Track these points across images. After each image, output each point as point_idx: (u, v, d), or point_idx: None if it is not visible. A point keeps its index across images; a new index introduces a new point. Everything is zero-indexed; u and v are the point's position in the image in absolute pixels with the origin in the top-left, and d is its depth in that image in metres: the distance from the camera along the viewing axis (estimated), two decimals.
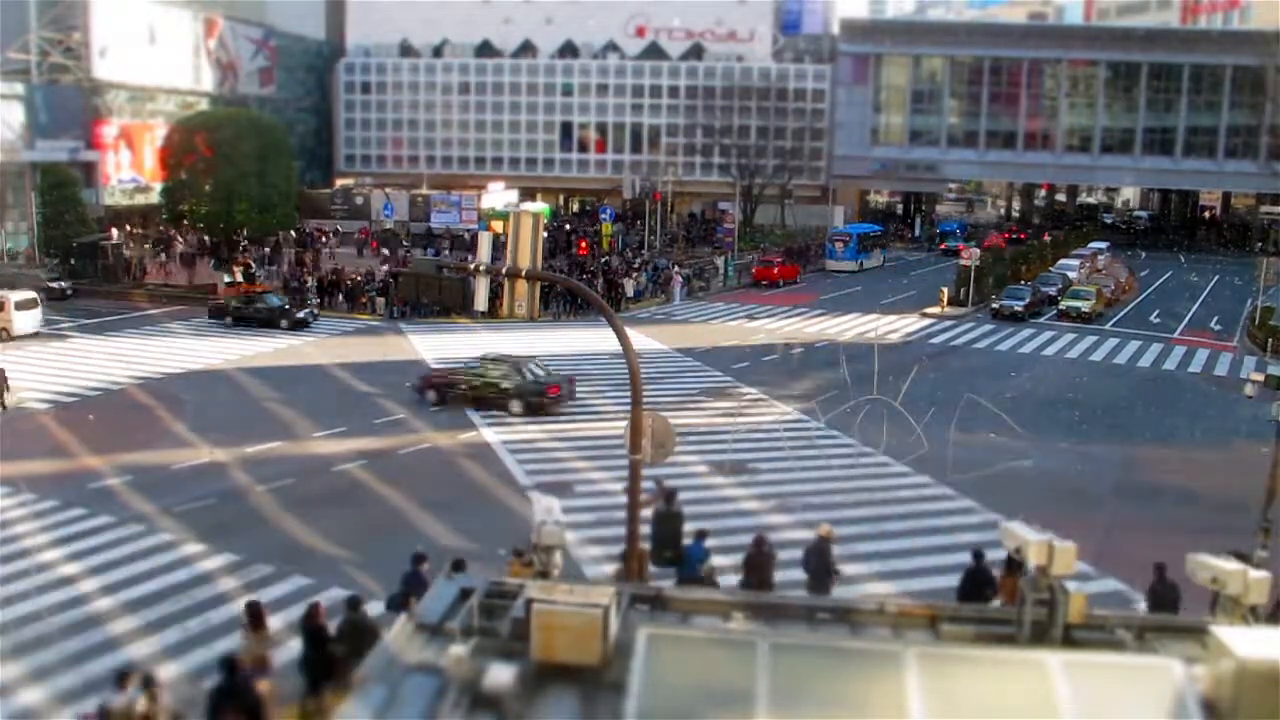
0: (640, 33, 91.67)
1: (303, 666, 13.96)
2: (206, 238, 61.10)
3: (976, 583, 16.83)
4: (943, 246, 76.92)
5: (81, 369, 35.85)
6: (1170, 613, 15.04)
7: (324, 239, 68.23)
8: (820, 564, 17.70)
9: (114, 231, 59.15)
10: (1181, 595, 15.73)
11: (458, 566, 12.99)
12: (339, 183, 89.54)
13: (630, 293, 52.29)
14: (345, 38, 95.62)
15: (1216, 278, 68.51)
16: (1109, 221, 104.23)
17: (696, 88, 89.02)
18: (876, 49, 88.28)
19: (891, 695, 6.59)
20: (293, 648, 14.85)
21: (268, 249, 59.82)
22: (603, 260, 59.58)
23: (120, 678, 12.52)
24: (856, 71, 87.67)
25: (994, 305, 51.78)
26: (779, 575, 17.71)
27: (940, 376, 36.97)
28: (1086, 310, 50.40)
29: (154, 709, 12.24)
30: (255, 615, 14.54)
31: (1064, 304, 51.72)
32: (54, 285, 48.98)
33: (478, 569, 14.02)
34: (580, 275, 52.76)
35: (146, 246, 61.91)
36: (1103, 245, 72.64)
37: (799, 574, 17.84)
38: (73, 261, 51.82)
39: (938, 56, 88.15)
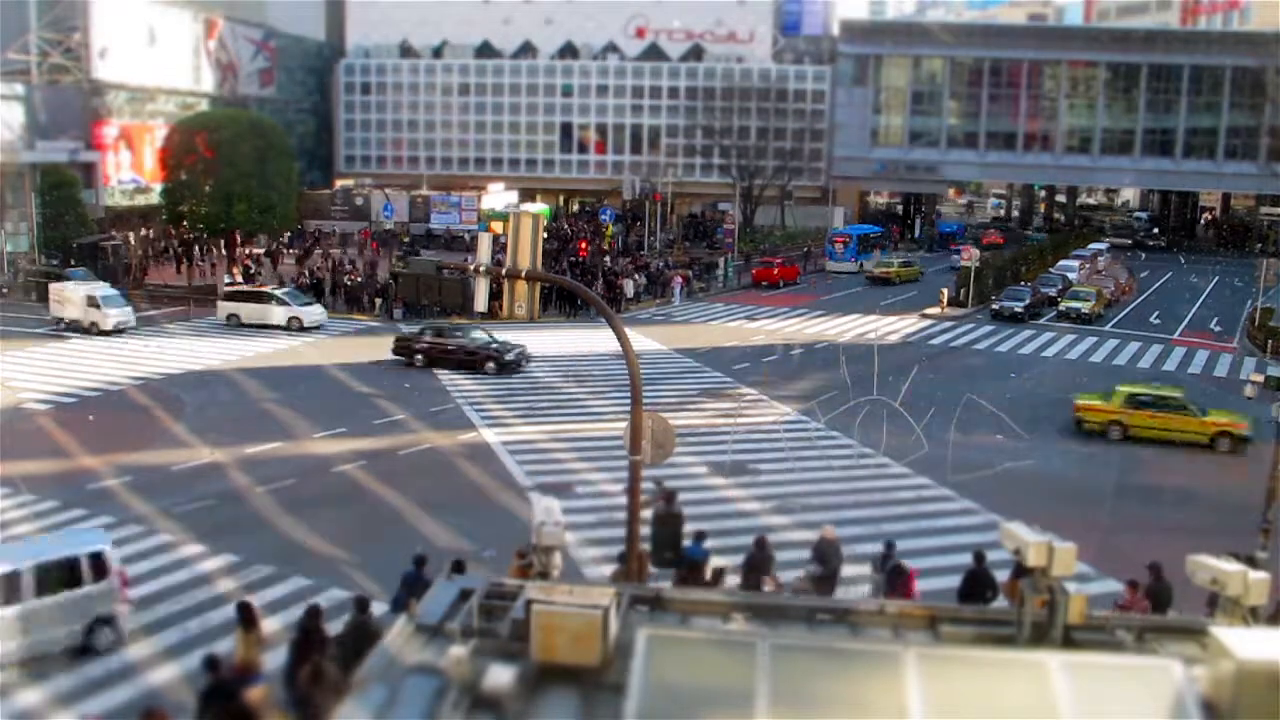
0: (640, 34, 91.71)
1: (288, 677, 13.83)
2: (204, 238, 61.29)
3: (977, 584, 16.83)
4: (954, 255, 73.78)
5: (81, 370, 35.85)
6: (1163, 612, 15.11)
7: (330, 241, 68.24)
8: (822, 568, 17.74)
9: (129, 236, 59.26)
10: (1173, 595, 15.87)
11: (458, 568, 12.98)
12: (339, 183, 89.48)
13: (630, 293, 52.33)
14: (345, 38, 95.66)
15: (1216, 279, 68.54)
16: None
17: (696, 89, 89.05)
18: (876, 50, 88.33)
19: (891, 696, 6.59)
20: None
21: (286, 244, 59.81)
22: (604, 261, 59.58)
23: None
24: (856, 72, 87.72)
25: (994, 306, 51.81)
26: (779, 576, 17.71)
27: (940, 377, 36.98)
28: (1086, 311, 50.42)
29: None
30: (247, 616, 14.50)
31: (1064, 305, 51.74)
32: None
33: (475, 569, 14.03)
34: (580, 276, 52.76)
35: (150, 248, 62.05)
36: (1102, 246, 72.68)
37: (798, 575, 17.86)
38: (72, 262, 51.79)
39: (937, 58, 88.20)
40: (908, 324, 48.97)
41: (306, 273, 53.62)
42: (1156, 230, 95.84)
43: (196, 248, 61.47)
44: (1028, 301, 51.26)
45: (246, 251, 60.69)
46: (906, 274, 64.04)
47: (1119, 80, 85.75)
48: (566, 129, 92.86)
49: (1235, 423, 29.57)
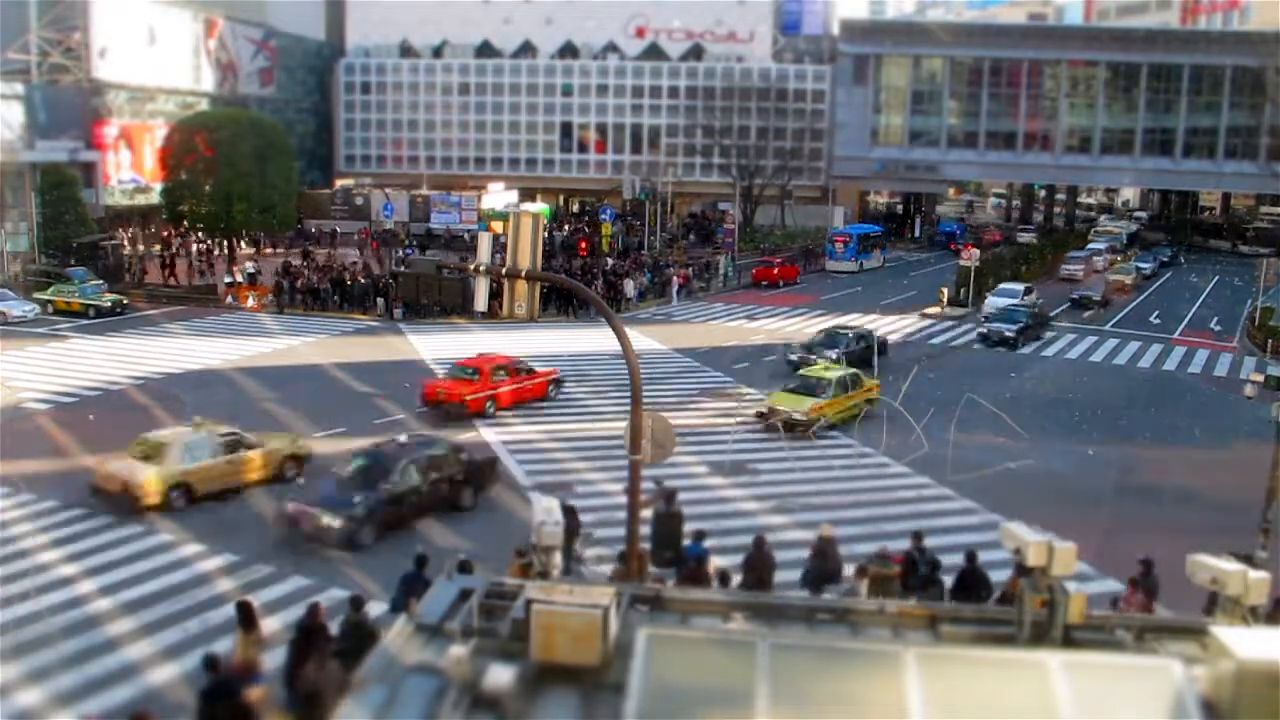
0: (640, 33, 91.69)
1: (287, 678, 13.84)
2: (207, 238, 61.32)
3: (969, 585, 16.83)
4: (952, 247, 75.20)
5: (81, 369, 35.84)
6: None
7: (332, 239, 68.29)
8: (822, 566, 17.72)
9: (125, 237, 59.39)
10: (1159, 590, 15.95)
11: (464, 568, 12.94)
12: (339, 183, 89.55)
13: (631, 293, 52.31)
14: (345, 38, 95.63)
15: (1216, 278, 68.53)
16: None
17: (696, 88, 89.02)
18: (876, 49, 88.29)
19: (891, 696, 6.59)
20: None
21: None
22: (604, 262, 59.54)
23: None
24: (856, 72, 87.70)
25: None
26: (779, 576, 17.72)
27: (940, 376, 36.98)
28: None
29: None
30: (247, 616, 14.48)
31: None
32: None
33: (479, 569, 14.00)
34: (580, 276, 52.73)
35: (154, 248, 62.03)
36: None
37: (798, 575, 17.86)
38: (72, 261, 51.79)
39: (937, 57, 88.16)
40: (908, 324, 48.94)
41: (307, 270, 53.53)
42: (1145, 217, 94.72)
43: (194, 248, 61.49)
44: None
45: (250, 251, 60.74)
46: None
47: (1119, 80, 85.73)
48: (566, 129, 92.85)
49: None
